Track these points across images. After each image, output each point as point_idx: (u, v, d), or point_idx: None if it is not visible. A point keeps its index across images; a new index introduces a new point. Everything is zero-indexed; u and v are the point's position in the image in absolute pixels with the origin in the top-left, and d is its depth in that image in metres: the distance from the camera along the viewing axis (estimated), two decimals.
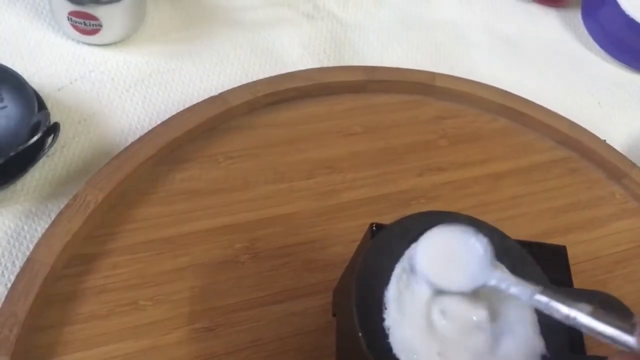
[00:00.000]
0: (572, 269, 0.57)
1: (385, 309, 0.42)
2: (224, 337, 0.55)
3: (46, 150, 0.61)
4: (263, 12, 0.83)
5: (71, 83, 0.71)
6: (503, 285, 0.43)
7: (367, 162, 0.68)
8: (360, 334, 0.41)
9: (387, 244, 0.45)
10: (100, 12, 0.71)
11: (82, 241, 0.57)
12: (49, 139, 0.62)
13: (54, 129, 0.63)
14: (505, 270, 0.44)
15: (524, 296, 0.42)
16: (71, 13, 0.71)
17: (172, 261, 0.58)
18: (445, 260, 0.45)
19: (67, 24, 0.73)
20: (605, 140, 0.73)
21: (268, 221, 0.62)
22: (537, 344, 0.43)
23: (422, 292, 0.43)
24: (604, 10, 0.89)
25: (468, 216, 0.48)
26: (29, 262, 0.54)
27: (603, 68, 0.88)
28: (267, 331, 0.56)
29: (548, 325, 0.44)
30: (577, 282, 0.64)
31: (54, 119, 0.64)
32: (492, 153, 0.71)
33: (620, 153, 0.73)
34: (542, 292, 0.44)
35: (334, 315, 0.56)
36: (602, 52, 0.89)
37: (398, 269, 0.44)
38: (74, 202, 0.57)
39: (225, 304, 0.57)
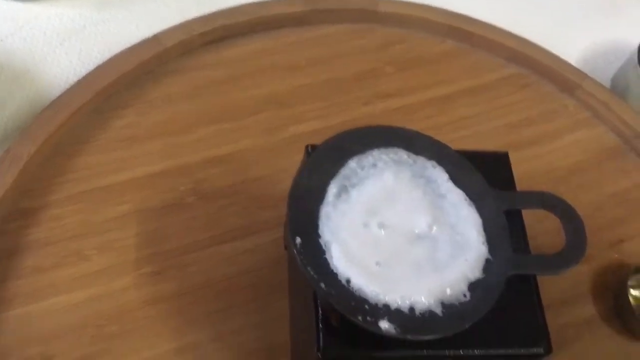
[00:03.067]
0: (527, 183, 0.56)
1: (321, 225, 0.41)
2: (173, 280, 0.54)
3: None
4: None
5: (1, 41, 0.69)
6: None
7: (313, 94, 0.66)
8: (295, 251, 0.39)
9: (322, 162, 0.44)
10: None
11: (19, 195, 0.55)
12: None
13: None
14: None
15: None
16: None
17: (115, 209, 0.57)
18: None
19: None
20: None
21: (213, 161, 0.60)
22: (481, 248, 0.42)
23: (360, 207, 0.42)
24: None
25: (403, 128, 0.46)
26: None
27: None
28: (218, 271, 0.55)
29: (491, 228, 0.43)
30: None
31: None
32: (441, 76, 0.69)
33: (572, 65, 0.71)
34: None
35: (285, 248, 0.55)
36: None
37: (334, 186, 0.43)
38: (6, 156, 0.55)
39: (173, 247, 0.56)
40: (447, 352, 0.41)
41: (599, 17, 0.82)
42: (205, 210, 0.58)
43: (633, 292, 0.59)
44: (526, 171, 0.63)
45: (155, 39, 0.64)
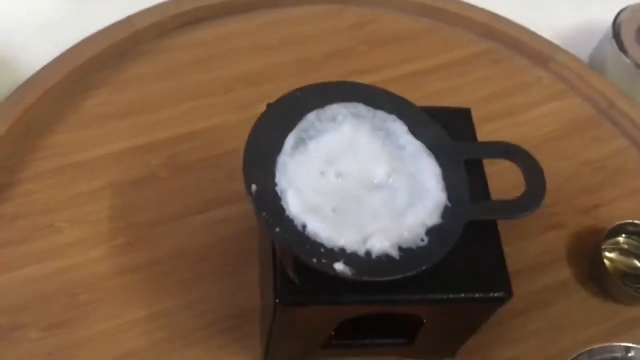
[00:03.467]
0: None
1: (278, 173, 0.41)
2: (145, 250, 0.55)
3: None
4: None
5: None
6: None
7: (285, 73, 0.66)
8: (250, 198, 0.40)
9: (280, 115, 0.44)
10: None
11: None
12: None
13: None
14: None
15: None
16: None
17: (88, 184, 0.57)
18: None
19: None
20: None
21: (186, 137, 0.61)
22: (439, 195, 0.42)
23: (317, 157, 0.43)
24: None
25: (364, 84, 0.47)
26: None
27: None
28: (190, 241, 0.55)
29: (451, 177, 0.43)
30: (505, 165, 0.64)
31: None
32: (414, 52, 0.70)
33: (544, 37, 0.72)
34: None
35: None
36: None
37: (291, 138, 0.43)
38: None
39: (145, 218, 0.56)
40: (407, 297, 0.41)
41: None
42: (177, 184, 0.58)
43: (607, 254, 0.59)
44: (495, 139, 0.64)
45: (129, 21, 0.65)
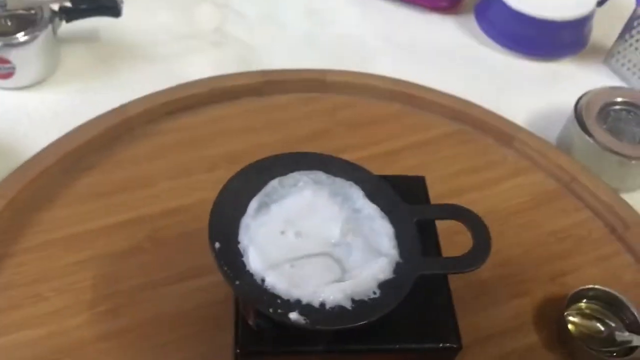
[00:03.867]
0: None
1: (241, 233, 0.45)
2: (126, 316, 0.57)
3: None
4: (172, 45, 0.89)
5: None
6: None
7: (267, 152, 0.69)
8: (214, 255, 0.43)
9: (245, 181, 0.48)
10: (12, 54, 0.77)
11: None
12: None
13: None
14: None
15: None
16: None
17: (76, 255, 0.61)
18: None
19: None
20: None
21: (170, 212, 0.65)
22: (392, 252, 0.46)
23: (278, 218, 0.47)
24: (493, 9, 0.95)
25: (324, 154, 0.51)
26: None
27: (499, 59, 0.93)
28: (170, 306, 0.58)
29: (403, 236, 0.47)
30: None
31: None
32: (387, 134, 0.75)
33: (507, 119, 0.77)
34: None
35: None
36: (496, 45, 0.95)
37: (255, 202, 0.47)
38: None
39: (128, 286, 0.59)
40: (361, 347, 0.43)
41: (541, 85, 0.89)
42: (160, 255, 0.62)
43: (572, 319, 0.61)
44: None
45: (121, 108, 0.71)
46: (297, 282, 0.43)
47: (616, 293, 0.61)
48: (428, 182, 0.70)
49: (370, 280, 0.44)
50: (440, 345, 0.44)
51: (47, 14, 0.80)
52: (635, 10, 0.87)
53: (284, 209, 0.47)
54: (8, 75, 0.79)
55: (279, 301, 0.42)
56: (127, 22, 0.87)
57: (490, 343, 0.59)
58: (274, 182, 0.48)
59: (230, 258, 0.44)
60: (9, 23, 0.78)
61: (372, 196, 0.49)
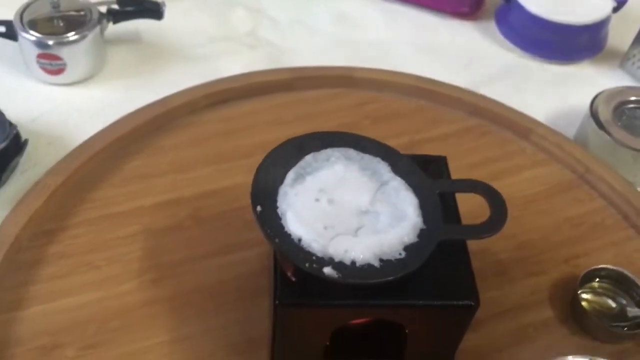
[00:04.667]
0: (487, 210, 0.65)
1: (279, 199, 0.50)
2: (170, 285, 0.63)
3: (18, 159, 0.72)
4: (210, 47, 0.95)
5: (42, 115, 0.83)
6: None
7: None
8: (255, 217, 0.48)
9: (283, 155, 0.53)
10: (64, 52, 0.84)
11: (44, 219, 0.66)
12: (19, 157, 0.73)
13: (24, 144, 0.74)
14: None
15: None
16: (39, 55, 0.84)
17: (124, 229, 0.67)
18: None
19: (36, 67, 0.85)
20: None
21: (210, 193, 0.71)
22: (416, 220, 0.50)
23: (313, 188, 0.51)
24: (513, 14, 1.00)
25: (355, 134, 0.56)
26: None
27: (518, 62, 0.97)
28: (209, 277, 0.64)
29: (426, 206, 0.51)
30: None
31: (29, 144, 0.74)
32: (410, 127, 0.80)
33: (525, 114, 0.81)
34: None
35: None
36: (516, 49, 0.99)
37: (292, 173, 0.52)
38: (35, 187, 0.67)
39: (171, 259, 0.65)
40: (388, 302, 0.48)
41: (559, 87, 0.93)
42: (200, 232, 0.67)
43: (584, 296, 0.65)
44: (484, 199, 0.72)
45: (164, 100, 0.77)
46: (330, 242, 0.48)
47: (626, 272, 0.64)
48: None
49: (396, 242, 0.48)
50: (460, 302, 0.48)
51: (95, 16, 0.87)
52: None
53: (318, 180, 0.52)
54: (59, 71, 0.86)
55: (314, 258, 0.46)
56: (168, 25, 0.93)
57: (508, 316, 0.63)
58: (309, 157, 0.53)
59: (270, 220, 0.48)
60: (61, 23, 0.85)
61: (398, 171, 0.54)
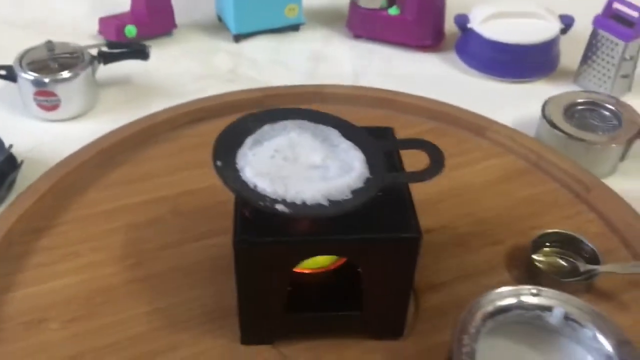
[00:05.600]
0: (447, 194, 0.76)
1: (238, 158, 0.56)
2: (150, 267, 0.68)
3: (14, 175, 0.79)
4: (193, 85, 1.03)
5: (38, 146, 0.90)
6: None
7: None
8: (215, 168, 0.54)
9: (243, 126, 0.60)
10: (58, 88, 0.92)
11: (34, 217, 0.72)
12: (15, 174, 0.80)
13: (20, 164, 0.82)
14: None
15: None
16: (36, 93, 0.92)
17: (108, 224, 0.72)
18: None
19: (34, 105, 0.94)
20: None
21: (188, 192, 0.77)
22: (363, 171, 0.56)
23: (269, 149, 0.57)
24: (471, 42, 1.09)
25: (310, 109, 0.63)
26: None
27: (479, 84, 1.06)
28: (186, 259, 0.69)
29: (373, 161, 0.57)
30: (453, 203, 0.77)
31: (25, 170, 0.81)
32: None
33: (480, 115, 0.88)
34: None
35: None
36: (477, 73, 1.08)
37: (250, 140, 0.58)
38: (26, 190, 0.74)
39: (152, 246, 0.70)
40: (337, 237, 0.53)
41: (518, 102, 1.00)
42: (180, 222, 0.73)
43: (538, 258, 0.69)
44: (446, 189, 0.77)
45: (147, 117, 0.85)
46: (283, 187, 0.53)
47: (574, 233, 0.69)
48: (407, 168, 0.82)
49: (344, 187, 0.54)
50: (404, 234, 0.53)
51: (87, 57, 0.96)
52: (592, 33, 1.00)
53: (274, 143, 0.58)
54: (55, 107, 0.94)
55: (267, 198, 0.52)
56: (155, 67, 1.03)
57: (468, 279, 0.67)
58: (266, 127, 0.60)
59: (229, 171, 0.54)
60: (56, 65, 0.94)
61: (347, 136, 0.60)
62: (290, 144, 0.58)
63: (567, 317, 0.54)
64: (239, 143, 0.58)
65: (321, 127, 0.61)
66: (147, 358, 0.59)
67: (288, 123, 0.61)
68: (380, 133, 0.64)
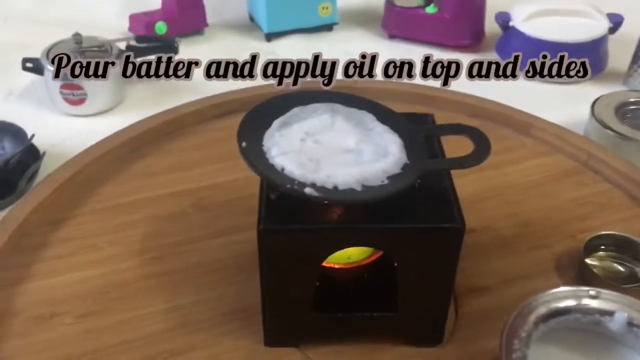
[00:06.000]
0: (489, 194, 0.71)
1: (265, 138, 0.51)
2: (171, 262, 0.63)
3: (35, 167, 0.76)
4: (222, 83, 1.00)
5: (62, 141, 0.88)
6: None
7: None
8: (240, 151, 0.50)
9: (272, 107, 0.55)
10: (85, 82, 0.90)
11: (51, 209, 0.68)
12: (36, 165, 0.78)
13: (42, 155, 0.79)
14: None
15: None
16: (62, 86, 0.90)
17: (129, 217, 0.68)
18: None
19: (59, 99, 0.91)
20: None
21: (212, 186, 0.73)
22: (400, 156, 0.51)
23: (299, 131, 0.53)
24: (513, 42, 1.04)
25: (342, 92, 0.58)
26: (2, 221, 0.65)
27: (523, 85, 1.01)
28: (208, 256, 0.64)
29: (411, 146, 0.52)
30: (496, 203, 0.72)
31: (47, 164, 0.79)
32: None
33: (524, 111, 0.82)
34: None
35: None
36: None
37: (278, 121, 0.54)
38: (45, 180, 0.70)
39: (173, 240, 0.66)
40: (371, 226, 0.48)
41: (565, 104, 0.95)
42: (202, 217, 0.69)
43: (592, 263, 0.63)
44: (488, 187, 0.72)
45: (175, 109, 0.81)
46: (313, 171, 0.48)
47: (631, 236, 0.63)
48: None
49: (379, 172, 0.49)
50: (445, 225, 0.48)
51: (115, 51, 0.94)
52: None
53: (304, 125, 0.53)
54: (81, 101, 0.91)
55: (296, 181, 0.47)
56: None
57: (514, 283, 0.62)
58: (296, 109, 0.55)
59: (255, 153, 0.50)
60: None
61: (383, 120, 0.55)
62: (321, 127, 0.54)
63: (630, 323, 0.48)
64: (266, 124, 0.54)
65: (354, 110, 0.56)
66: (163, 358, 0.55)
67: (319, 105, 0.56)
68: (419, 119, 0.59)
